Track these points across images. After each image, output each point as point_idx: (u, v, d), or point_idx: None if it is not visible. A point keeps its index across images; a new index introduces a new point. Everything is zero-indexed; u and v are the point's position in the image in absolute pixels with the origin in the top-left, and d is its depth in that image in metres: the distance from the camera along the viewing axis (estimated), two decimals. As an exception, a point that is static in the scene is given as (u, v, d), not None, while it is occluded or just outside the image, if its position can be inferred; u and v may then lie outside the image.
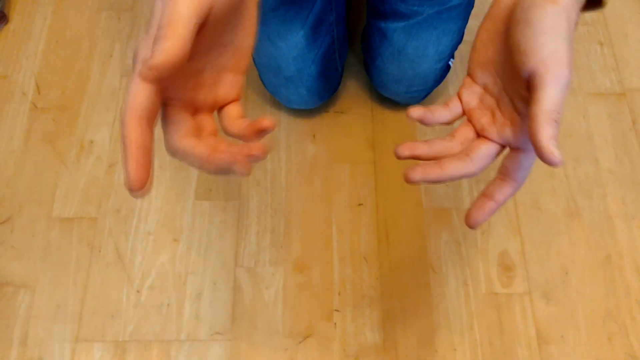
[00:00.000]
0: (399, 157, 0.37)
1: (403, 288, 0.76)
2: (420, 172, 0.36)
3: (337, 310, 0.75)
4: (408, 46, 0.74)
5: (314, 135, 0.87)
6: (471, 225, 0.36)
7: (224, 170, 0.29)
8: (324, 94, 0.83)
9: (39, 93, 0.90)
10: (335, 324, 0.74)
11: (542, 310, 0.74)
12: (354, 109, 0.89)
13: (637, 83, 0.89)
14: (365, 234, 0.79)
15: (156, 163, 0.84)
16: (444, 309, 0.74)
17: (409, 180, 0.36)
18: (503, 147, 0.36)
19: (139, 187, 0.26)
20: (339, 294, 0.76)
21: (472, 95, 0.38)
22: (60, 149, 0.85)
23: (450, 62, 0.81)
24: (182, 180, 0.83)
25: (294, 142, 0.86)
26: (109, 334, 0.73)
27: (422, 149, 0.37)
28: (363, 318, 0.74)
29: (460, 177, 0.36)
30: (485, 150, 0.36)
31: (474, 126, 0.37)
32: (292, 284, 0.76)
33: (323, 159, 0.85)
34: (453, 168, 0.36)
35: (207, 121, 0.33)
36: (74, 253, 0.78)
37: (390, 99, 0.87)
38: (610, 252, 0.77)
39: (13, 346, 0.72)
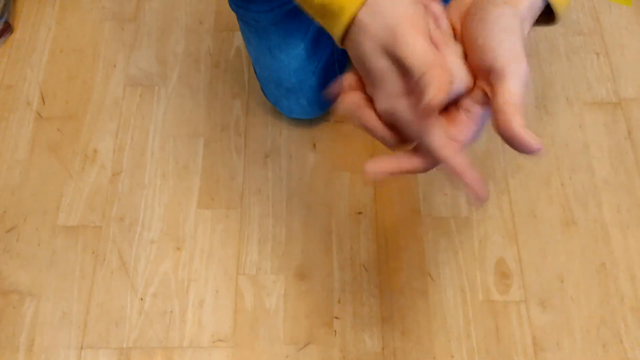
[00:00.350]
0: (370, 175, 0.36)
1: (401, 295, 0.77)
2: (375, 165, 0.36)
3: (337, 318, 0.76)
4: None
5: (314, 145, 0.88)
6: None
7: None
8: (324, 104, 0.84)
9: (44, 103, 0.91)
10: (335, 331, 0.75)
11: (538, 317, 0.75)
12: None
13: (633, 93, 0.91)
14: (364, 242, 0.81)
15: (159, 172, 0.85)
16: (441, 316, 0.76)
17: (367, 174, 0.36)
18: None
19: None
20: (339, 301, 0.77)
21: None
22: (64, 158, 0.87)
23: (448, 73, 0.83)
24: (185, 189, 0.84)
25: (295, 151, 0.87)
26: (114, 340, 0.75)
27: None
28: (362, 325, 0.75)
29: (414, 172, 0.37)
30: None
31: None
32: (293, 291, 0.78)
33: (323, 167, 0.86)
34: (408, 162, 0.36)
35: None
36: (78, 261, 0.79)
37: (390, 108, 0.88)
38: (605, 261, 0.79)
39: (19, 353, 0.74)
